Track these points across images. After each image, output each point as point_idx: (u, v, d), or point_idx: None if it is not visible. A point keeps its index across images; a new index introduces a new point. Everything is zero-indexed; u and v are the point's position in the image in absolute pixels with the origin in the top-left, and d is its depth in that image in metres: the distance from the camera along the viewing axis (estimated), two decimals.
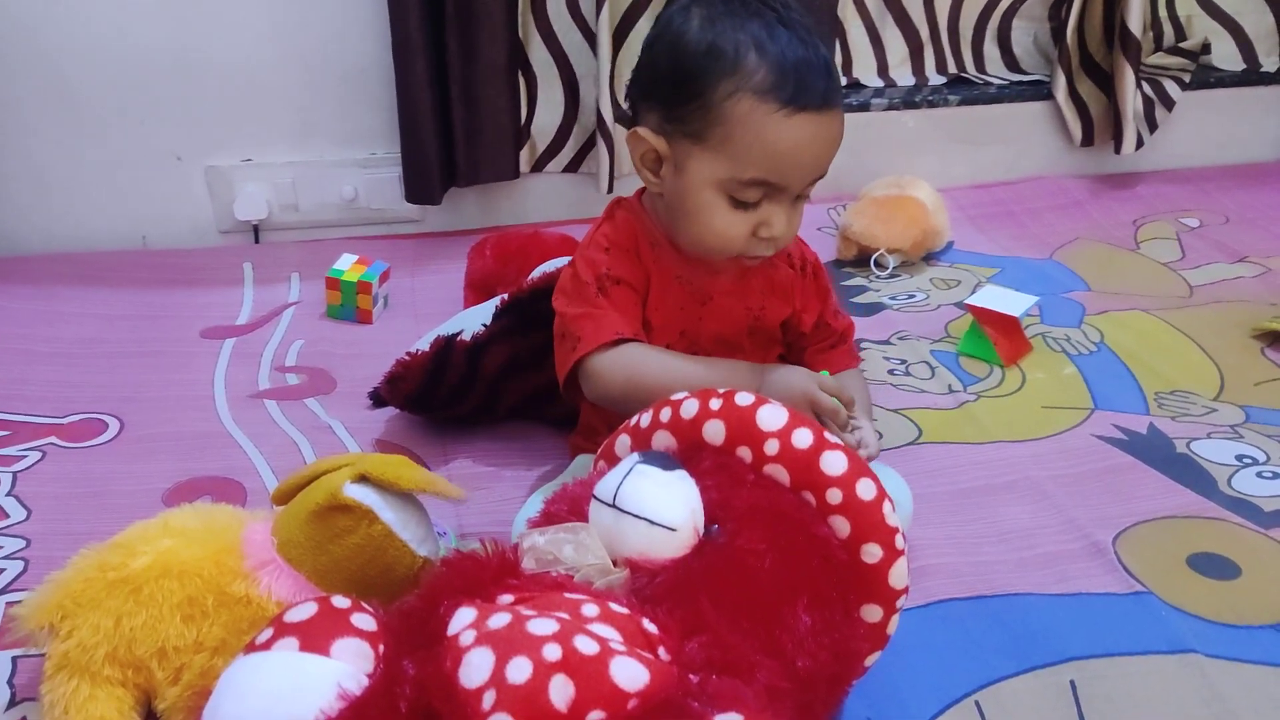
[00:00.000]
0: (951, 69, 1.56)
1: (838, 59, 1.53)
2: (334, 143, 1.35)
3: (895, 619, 0.63)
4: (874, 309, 1.25)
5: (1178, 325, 1.20)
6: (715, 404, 0.64)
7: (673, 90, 0.77)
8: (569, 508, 0.61)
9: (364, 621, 0.51)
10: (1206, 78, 1.59)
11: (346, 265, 1.21)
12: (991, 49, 1.57)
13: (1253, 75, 1.60)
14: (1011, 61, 1.58)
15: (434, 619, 0.52)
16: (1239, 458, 0.97)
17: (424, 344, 0.95)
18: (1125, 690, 0.72)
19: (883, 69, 1.55)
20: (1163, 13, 1.57)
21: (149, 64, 1.25)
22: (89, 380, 1.07)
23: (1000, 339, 1.13)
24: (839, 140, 0.78)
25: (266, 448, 0.98)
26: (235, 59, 1.27)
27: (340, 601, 0.51)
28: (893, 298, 1.28)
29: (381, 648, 0.50)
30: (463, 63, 1.28)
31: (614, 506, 0.57)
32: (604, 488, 0.58)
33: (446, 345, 0.94)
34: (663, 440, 0.65)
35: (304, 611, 0.50)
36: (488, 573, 0.55)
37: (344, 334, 1.19)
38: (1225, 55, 1.60)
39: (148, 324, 1.19)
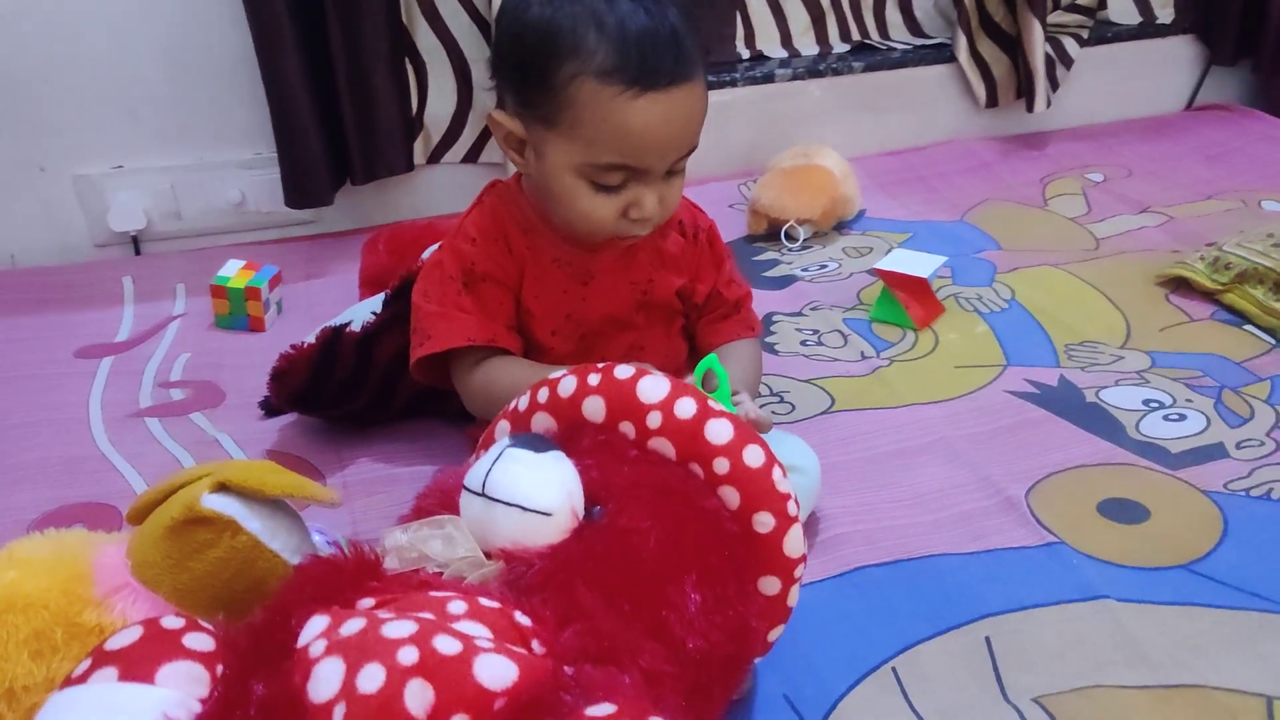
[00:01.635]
0: (855, 36, 1.55)
1: (739, 32, 1.51)
2: (213, 144, 1.28)
3: (795, 590, 0.60)
4: (786, 281, 1.23)
5: (1085, 278, 1.20)
6: (594, 379, 0.60)
7: (519, 72, 0.73)
8: (439, 501, 0.57)
9: (199, 641, 0.46)
10: (1104, 33, 1.60)
11: (233, 271, 1.15)
12: (894, 14, 1.56)
13: (1149, 28, 1.62)
14: (914, 26, 1.58)
15: (284, 631, 0.47)
16: (1146, 402, 0.97)
17: (311, 338, 0.90)
18: (1039, 641, 0.70)
19: (785, 39, 1.53)
20: None
21: (2, 70, 1.17)
22: None
23: (911, 302, 1.11)
24: (699, 113, 0.74)
25: (146, 468, 0.92)
26: (94, 58, 1.19)
27: (172, 622, 0.46)
28: (804, 269, 1.26)
29: (220, 669, 0.46)
30: (347, 54, 1.23)
31: (484, 495, 0.53)
32: (473, 476, 0.54)
33: (334, 336, 0.89)
34: (542, 422, 0.62)
35: (127, 637, 0.45)
36: (344, 576, 0.50)
37: (234, 344, 1.13)
38: (1121, 10, 1.62)
39: (14, 348, 1.11)
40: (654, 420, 0.59)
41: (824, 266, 1.26)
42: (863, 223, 1.37)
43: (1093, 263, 1.24)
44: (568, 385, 0.61)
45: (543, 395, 0.62)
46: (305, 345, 0.89)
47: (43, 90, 1.19)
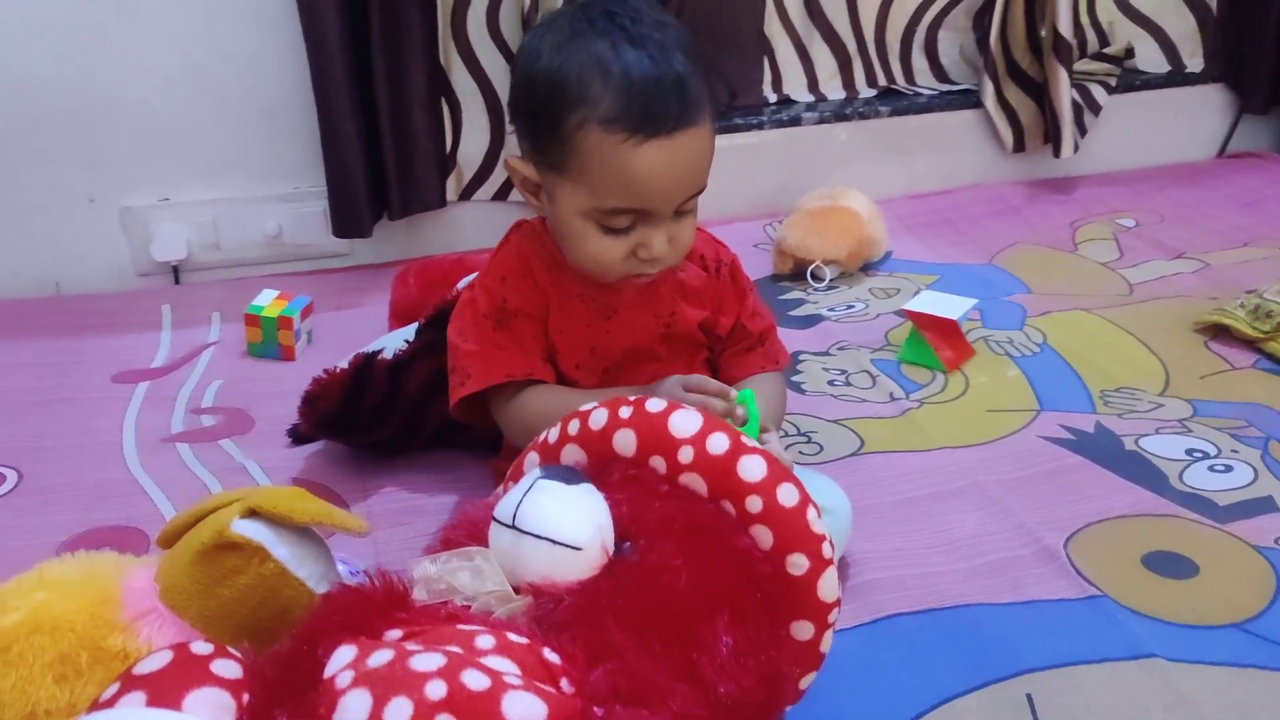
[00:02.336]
0: (881, 81, 1.56)
1: (766, 76, 1.53)
2: (255, 178, 1.31)
3: (828, 636, 0.59)
4: (812, 321, 1.23)
5: (1120, 323, 1.19)
6: (625, 412, 0.60)
7: (531, 120, 0.75)
8: (468, 532, 0.57)
9: (227, 669, 0.46)
10: (1132, 81, 1.60)
11: (266, 301, 1.17)
12: (919, 60, 1.58)
13: (1178, 76, 1.62)
14: (940, 72, 1.59)
15: (311, 661, 0.47)
16: (1189, 452, 0.95)
17: (344, 363, 0.90)
18: (1084, 701, 0.68)
19: (812, 84, 1.55)
20: (1084, 19, 1.59)
21: (57, 104, 1.21)
22: None
23: (941, 344, 1.10)
24: (705, 155, 0.75)
25: (175, 493, 0.92)
26: (148, 95, 1.23)
27: (201, 648, 0.46)
28: (831, 309, 1.25)
29: (247, 697, 0.45)
30: (390, 92, 1.25)
31: (513, 527, 0.53)
32: (503, 508, 0.54)
33: (366, 362, 0.89)
34: (572, 455, 0.61)
35: (155, 661, 0.45)
36: (373, 607, 0.50)
37: (265, 372, 1.14)
38: (1149, 58, 1.62)
39: (55, 372, 1.13)
40: (685, 455, 0.58)
41: (851, 307, 1.26)
42: (890, 264, 1.37)
43: (1127, 308, 1.23)
44: (598, 418, 0.60)
45: (573, 427, 0.61)
46: (338, 370, 0.89)
47: (95, 124, 1.23)
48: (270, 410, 1.06)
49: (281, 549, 0.62)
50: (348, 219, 1.28)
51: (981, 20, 1.50)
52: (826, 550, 0.58)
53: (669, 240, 0.76)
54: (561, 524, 0.52)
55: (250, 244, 1.33)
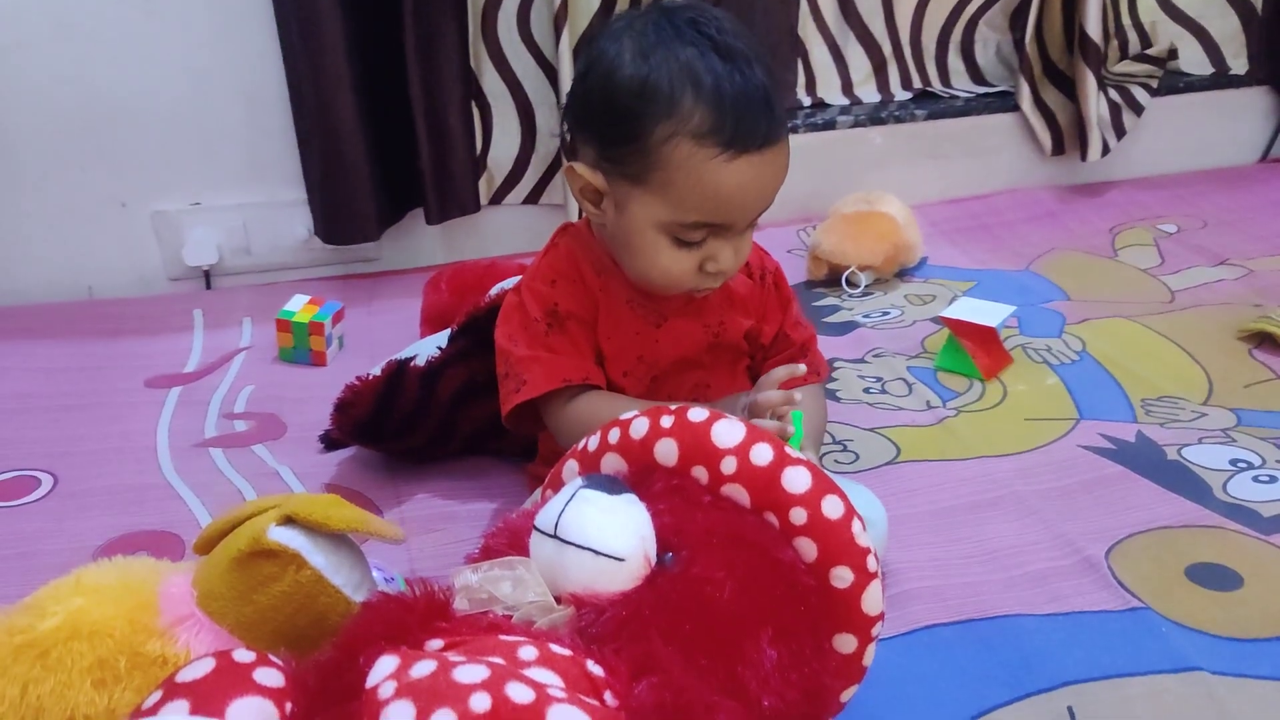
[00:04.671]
0: (916, 84, 1.55)
1: (800, 79, 1.52)
2: (285, 182, 1.31)
3: (871, 649, 0.58)
4: (848, 328, 1.21)
5: (1161, 330, 1.17)
6: (667, 421, 0.59)
7: (608, 128, 0.73)
8: (509, 541, 0.56)
9: (269, 677, 0.45)
10: (1175, 83, 1.57)
11: (298, 306, 1.17)
12: (956, 62, 1.56)
13: (1222, 79, 1.59)
14: (976, 74, 1.57)
15: (352, 670, 0.46)
16: (1233, 462, 0.92)
17: (377, 370, 0.90)
18: (1127, 714, 0.66)
19: (847, 87, 1.53)
20: (1126, 20, 1.56)
21: (89, 109, 1.22)
22: (21, 436, 1.02)
23: (978, 351, 1.09)
24: (784, 172, 0.75)
25: (209, 498, 0.92)
26: (179, 100, 1.24)
27: (243, 655, 0.46)
28: (866, 315, 1.24)
29: (290, 706, 0.45)
30: (424, 95, 1.25)
31: (555, 537, 0.52)
32: (544, 517, 0.53)
33: (399, 369, 0.89)
34: (612, 463, 0.60)
35: (199, 669, 0.44)
36: (414, 616, 0.49)
37: (296, 377, 1.14)
38: (1193, 60, 1.59)
39: (89, 376, 1.13)
40: (728, 466, 0.57)
41: (886, 313, 1.24)
42: (925, 270, 1.35)
43: (1168, 315, 1.20)
44: (640, 427, 0.59)
45: (613, 436, 0.60)
46: (370, 377, 0.89)
47: (128, 130, 1.24)
48: (302, 416, 1.06)
49: (318, 556, 0.62)
50: (344, 223, 1.26)
51: (1019, 20, 1.48)
52: (871, 563, 0.56)
53: (734, 253, 0.75)
54: (604, 534, 0.52)
55: (281, 248, 1.34)
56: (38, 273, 1.28)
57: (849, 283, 1.28)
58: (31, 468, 0.97)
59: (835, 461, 0.96)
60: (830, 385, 1.08)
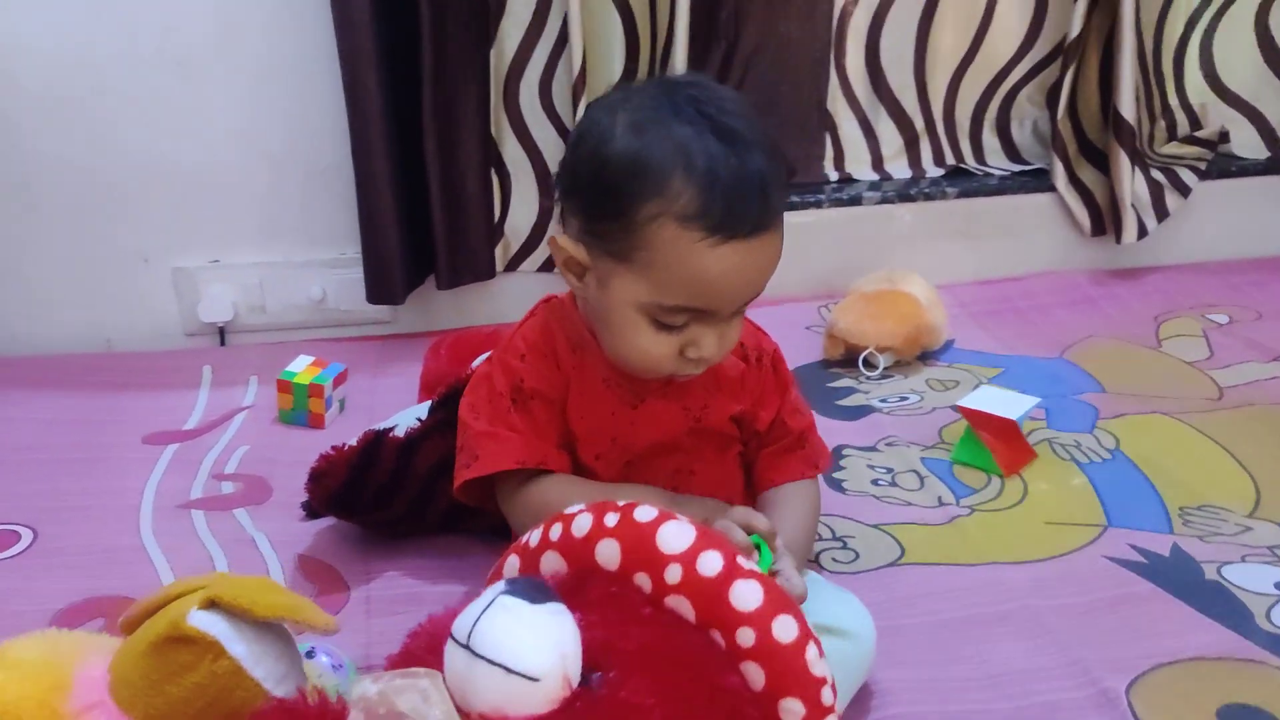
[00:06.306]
0: (950, 160, 1.50)
1: (828, 153, 1.48)
2: (302, 242, 1.32)
3: None
4: (861, 412, 1.15)
5: (1206, 431, 1.08)
6: (611, 520, 0.54)
7: (593, 202, 0.70)
8: (427, 644, 0.52)
9: None
10: (1228, 166, 1.50)
11: (301, 367, 1.16)
12: (990, 139, 1.51)
13: (1276, 163, 1.51)
14: (1012, 151, 1.52)
15: None
16: None
17: (354, 440, 0.88)
18: None
19: (877, 162, 1.50)
20: (1173, 100, 1.50)
21: (118, 166, 1.24)
22: (10, 490, 1.01)
23: (998, 445, 1.01)
24: (776, 259, 0.71)
25: (178, 563, 0.90)
26: (204, 158, 1.26)
27: None
28: (883, 400, 1.17)
29: None
30: (441, 161, 1.26)
31: (467, 648, 0.48)
32: (460, 624, 0.49)
33: (375, 440, 0.86)
34: (551, 563, 0.56)
35: None
36: None
37: (292, 440, 1.12)
38: (1246, 143, 1.52)
39: (90, 429, 1.13)
40: (673, 574, 0.52)
41: (904, 399, 1.18)
42: (951, 354, 1.29)
43: (1215, 414, 1.11)
44: (582, 524, 0.55)
45: (555, 532, 0.56)
46: (346, 447, 0.87)
47: (154, 187, 1.26)
48: (290, 480, 1.03)
49: (239, 645, 0.58)
50: (383, 286, 1.27)
51: (1055, 97, 1.43)
52: (827, 696, 0.51)
53: (719, 340, 0.71)
54: (519, 649, 0.47)
55: (295, 307, 1.34)
56: (60, 323, 1.30)
57: (866, 364, 1.22)
58: (14, 522, 0.96)
59: (833, 560, 0.89)
60: (836, 474, 1.02)
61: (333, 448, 0.87)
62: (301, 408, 1.15)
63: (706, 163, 0.66)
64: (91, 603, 0.85)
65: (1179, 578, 0.85)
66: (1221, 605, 0.81)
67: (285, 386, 1.15)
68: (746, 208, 0.66)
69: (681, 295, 0.68)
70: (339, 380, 1.17)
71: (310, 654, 0.74)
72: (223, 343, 1.34)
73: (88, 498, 1.00)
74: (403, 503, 0.90)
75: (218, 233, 1.30)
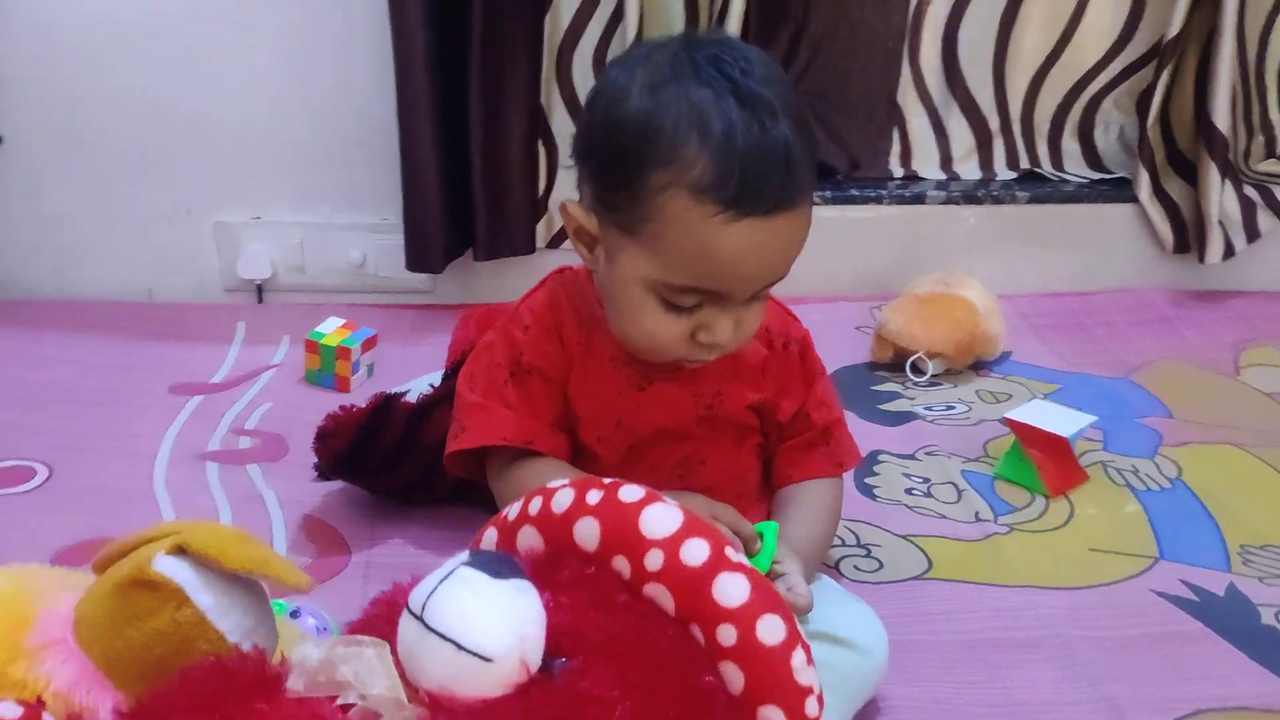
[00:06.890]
0: (1024, 163, 1.42)
1: (895, 149, 1.42)
2: (345, 205, 1.31)
3: None
4: (904, 418, 1.09)
5: (1278, 467, 0.99)
6: (593, 497, 0.50)
7: (604, 167, 0.65)
8: (385, 613, 0.48)
9: None
10: None
11: (330, 329, 1.15)
12: (1071, 143, 1.42)
13: None
14: (1093, 158, 1.42)
15: None
16: None
17: (363, 402, 0.85)
18: None
19: (946, 162, 1.42)
20: (1275, 114, 1.39)
21: (167, 118, 1.25)
22: (35, 425, 1.02)
23: (1046, 463, 0.94)
24: (799, 242, 0.65)
25: (184, 512, 0.89)
26: (251, 115, 1.26)
27: (9, 710, 0.39)
28: (928, 408, 1.11)
29: None
30: (485, 130, 1.23)
31: (420, 619, 0.44)
32: (416, 594, 0.45)
33: (385, 404, 0.84)
34: (528, 538, 0.52)
35: None
36: (232, 692, 0.42)
37: (316, 400, 1.11)
38: None
39: (122, 375, 1.14)
40: (654, 561, 0.48)
41: (951, 408, 1.11)
42: (1006, 366, 1.21)
43: None
44: (563, 499, 0.51)
45: (534, 506, 0.52)
46: (354, 408, 0.84)
47: (198, 140, 1.26)
48: (307, 441, 0.99)
49: (205, 595, 0.55)
50: (422, 253, 1.26)
51: (1145, 102, 1.34)
52: (811, 708, 0.46)
53: (734, 325, 0.66)
54: (472, 626, 0.43)
55: (334, 270, 1.33)
56: (104, 270, 1.31)
57: (914, 369, 1.16)
58: (32, 458, 0.97)
59: (855, 568, 0.84)
60: (868, 480, 0.96)
61: (341, 408, 0.85)
62: (329, 370, 1.14)
63: (725, 129, 0.61)
64: (93, 544, 0.84)
65: (1233, 620, 0.77)
66: (1277, 654, 0.74)
67: (313, 347, 1.14)
68: (766, 182, 0.61)
69: (690, 275, 0.63)
70: (368, 345, 1.15)
71: (295, 614, 0.72)
72: (260, 300, 1.34)
73: (107, 439, 1.01)
74: (410, 470, 0.87)
75: (260, 189, 1.29)
